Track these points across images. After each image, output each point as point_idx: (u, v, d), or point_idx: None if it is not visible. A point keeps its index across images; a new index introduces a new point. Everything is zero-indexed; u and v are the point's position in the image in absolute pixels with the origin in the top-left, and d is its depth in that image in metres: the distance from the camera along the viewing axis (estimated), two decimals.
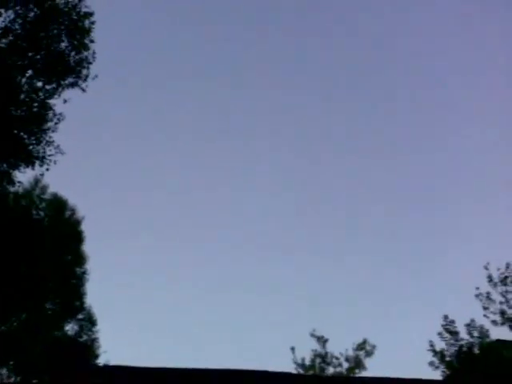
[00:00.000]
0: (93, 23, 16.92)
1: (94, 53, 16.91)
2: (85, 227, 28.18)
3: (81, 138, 39.16)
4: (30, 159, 16.95)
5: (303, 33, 48.51)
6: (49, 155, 16.99)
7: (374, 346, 27.75)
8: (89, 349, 27.08)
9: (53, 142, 17.02)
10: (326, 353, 28.42)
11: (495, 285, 21.82)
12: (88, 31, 16.83)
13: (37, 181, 27.55)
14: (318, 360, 28.27)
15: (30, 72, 16.10)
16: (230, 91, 48.75)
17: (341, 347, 27.68)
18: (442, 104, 49.37)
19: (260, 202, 45.88)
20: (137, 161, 47.17)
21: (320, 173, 51.04)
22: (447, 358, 22.69)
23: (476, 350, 22.44)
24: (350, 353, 28.14)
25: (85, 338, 28.56)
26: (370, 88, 50.66)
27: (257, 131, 50.42)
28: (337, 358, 28.12)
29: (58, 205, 27.86)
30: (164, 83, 47.75)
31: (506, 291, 21.63)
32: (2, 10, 16.13)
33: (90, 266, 28.21)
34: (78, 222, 28.03)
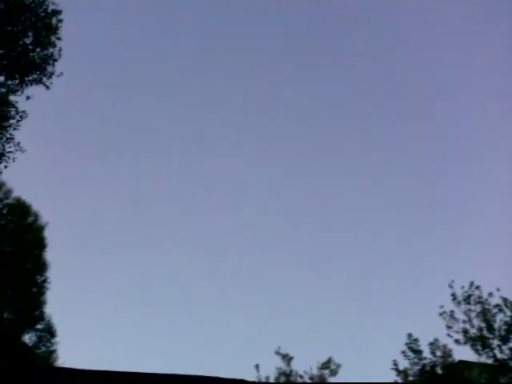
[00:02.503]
0: (60, 21, 16.78)
1: (60, 50, 16.72)
2: (48, 233, 27.62)
3: (45, 136, 38.41)
4: None
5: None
6: (8, 152, 16.59)
7: (338, 365, 27.34)
8: (46, 359, 26.35)
9: (13, 138, 16.64)
10: (291, 371, 27.97)
11: (459, 303, 21.73)
12: (55, 29, 16.65)
13: (1, 185, 26.99)
14: (282, 378, 27.83)
15: None
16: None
17: (306, 365, 27.25)
18: None
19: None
20: (102, 162, 46.28)
21: None
22: (410, 378, 22.51)
23: (439, 370, 22.29)
24: (315, 371, 27.72)
25: (43, 349, 27.82)
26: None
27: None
28: (301, 377, 27.70)
29: (22, 210, 27.30)
30: (133, 81, 46.93)
31: (470, 310, 21.53)
32: None
33: (52, 273, 27.57)
34: (41, 228, 27.49)
